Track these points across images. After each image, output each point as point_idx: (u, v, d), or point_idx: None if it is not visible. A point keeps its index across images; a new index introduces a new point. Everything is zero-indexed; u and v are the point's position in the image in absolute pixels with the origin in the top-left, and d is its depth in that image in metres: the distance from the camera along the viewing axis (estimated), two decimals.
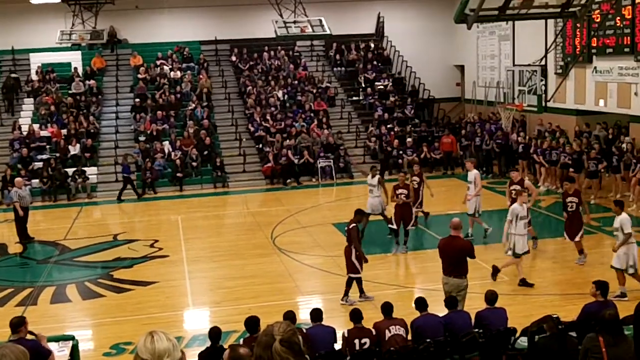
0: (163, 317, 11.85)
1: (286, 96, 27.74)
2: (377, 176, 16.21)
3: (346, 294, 11.99)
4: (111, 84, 28.49)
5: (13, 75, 27.60)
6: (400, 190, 15.01)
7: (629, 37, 19.62)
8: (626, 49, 19.76)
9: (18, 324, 8.08)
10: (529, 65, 20.34)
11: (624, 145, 19.57)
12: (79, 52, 28.82)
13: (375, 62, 29.88)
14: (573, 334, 7.69)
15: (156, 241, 16.93)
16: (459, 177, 23.87)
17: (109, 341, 10.80)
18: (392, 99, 28.06)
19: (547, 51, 20.40)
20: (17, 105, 27.08)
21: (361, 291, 12.09)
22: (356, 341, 8.29)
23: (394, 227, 15.07)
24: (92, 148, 24.68)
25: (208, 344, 8.22)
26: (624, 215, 11.76)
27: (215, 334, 8.20)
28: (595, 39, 20.99)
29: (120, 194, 22.50)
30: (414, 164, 17.96)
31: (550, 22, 20.93)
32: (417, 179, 16.65)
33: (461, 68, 30.56)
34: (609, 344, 6.37)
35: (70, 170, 23.18)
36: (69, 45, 26.54)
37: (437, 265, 13.76)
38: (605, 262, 14.20)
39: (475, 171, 15.99)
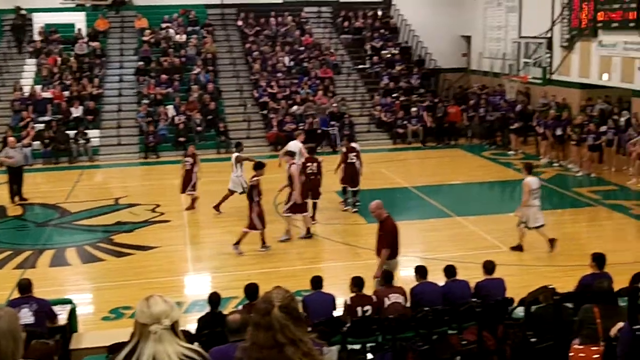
0: (163, 282, 11.84)
1: (292, 62, 27.57)
2: None
3: (238, 242, 13.22)
4: (115, 46, 28.30)
5: (22, 12, 27.17)
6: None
7: (635, 12, 19.43)
8: (631, 24, 19.59)
9: (28, 285, 8.22)
10: (535, 37, 20.19)
11: (621, 120, 19.45)
12: (83, 13, 28.57)
13: (382, 31, 29.62)
14: (570, 304, 7.75)
15: (158, 206, 16.92)
16: (462, 148, 23.94)
17: (108, 305, 10.79)
18: (398, 67, 27.89)
19: (553, 24, 20.23)
20: (19, 60, 26.92)
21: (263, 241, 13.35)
22: (358, 308, 8.33)
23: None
24: (95, 111, 24.60)
25: (208, 309, 8.26)
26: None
27: (214, 299, 8.24)
28: (601, 12, 20.78)
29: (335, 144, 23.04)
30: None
31: None
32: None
33: (468, 39, 30.28)
34: (604, 315, 6.41)
35: (71, 133, 23.14)
36: (73, 5, 26.34)
37: (436, 234, 13.99)
38: (603, 235, 14.32)
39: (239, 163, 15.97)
